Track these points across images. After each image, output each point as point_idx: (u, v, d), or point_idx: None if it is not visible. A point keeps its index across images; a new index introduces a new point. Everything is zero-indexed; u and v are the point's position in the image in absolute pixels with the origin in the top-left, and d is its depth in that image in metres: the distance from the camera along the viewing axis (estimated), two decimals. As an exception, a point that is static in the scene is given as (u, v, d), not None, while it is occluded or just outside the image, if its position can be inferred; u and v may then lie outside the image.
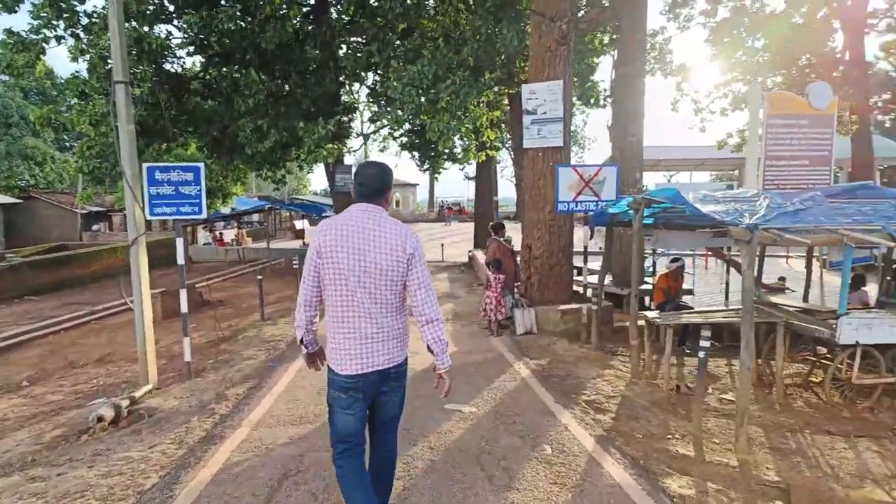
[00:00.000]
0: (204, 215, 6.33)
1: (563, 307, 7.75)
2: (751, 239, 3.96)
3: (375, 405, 2.67)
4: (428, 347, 2.64)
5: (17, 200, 27.27)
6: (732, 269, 12.14)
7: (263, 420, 4.55)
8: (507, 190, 57.71)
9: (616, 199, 7.12)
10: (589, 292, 8.96)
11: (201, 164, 6.28)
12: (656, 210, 6.29)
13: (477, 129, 11.59)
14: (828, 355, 5.45)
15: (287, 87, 15.28)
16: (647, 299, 10.19)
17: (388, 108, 12.12)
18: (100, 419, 5.06)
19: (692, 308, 6.98)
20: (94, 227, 29.70)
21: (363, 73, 17.89)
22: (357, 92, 19.15)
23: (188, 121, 16.07)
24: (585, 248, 7.46)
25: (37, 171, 32.81)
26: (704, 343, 4.42)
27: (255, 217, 36.51)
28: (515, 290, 8.13)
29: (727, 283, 8.43)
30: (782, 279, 12.01)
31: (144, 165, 6.05)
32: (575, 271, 9.31)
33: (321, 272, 2.49)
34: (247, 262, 21.42)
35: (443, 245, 21.75)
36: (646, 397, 5.14)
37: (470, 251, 18.73)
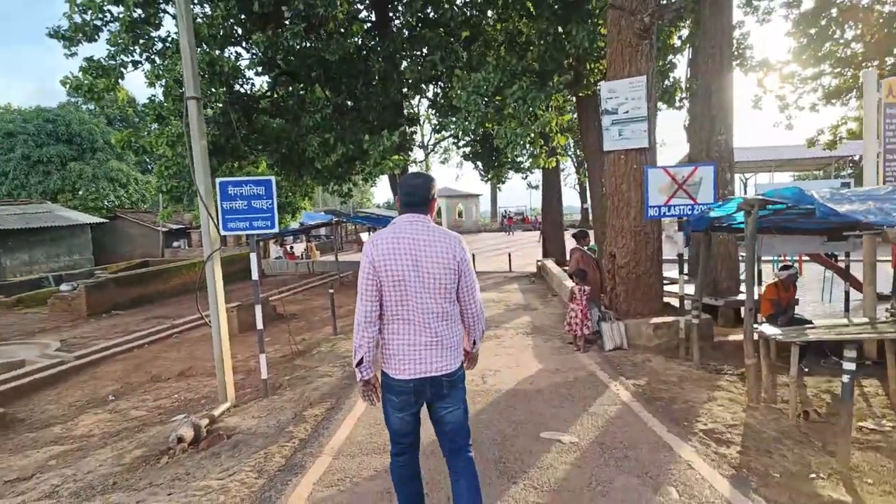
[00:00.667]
0: (276, 229, 6.18)
1: (655, 320, 7.08)
2: (916, 240, 3.27)
3: (435, 416, 2.68)
4: (472, 343, 2.77)
5: (104, 220, 29.07)
6: (836, 277, 11.00)
7: (345, 448, 4.23)
8: (569, 198, 56.30)
9: (716, 202, 6.43)
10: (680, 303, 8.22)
11: (272, 178, 6.14)
12: (766, 213, 5.59)
13: (546, 134, 11.06)
14: None
15: (351, 102, 15.34)
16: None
17: (454, 118, 11.79)
18: (180, 440, 4.93)
19: (810, 322, 6.16)
20: (175, 244, 31.24)
21: (425, 86, 17.80)
22: (418, 104, 19.08)
23: (258, 139, 16.44)
24: (680, 256, 6.77)
25: (121, 193, 35.00)
26: (849, 365, 3.72)
27: (323, 231, 37.35)
28: (601, 302, 7.53)
29: (847, 293, 7.48)
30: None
31: (217, 180, 5.98)
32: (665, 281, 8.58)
33: (379, 285, 2.50)
34: (316, 275, 21.71)
35: (510, 255, 21.21)
36: (771, 426, 4.45)
37: (539, 261, 18.11)
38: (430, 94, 20.54)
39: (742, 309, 9.30)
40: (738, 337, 7.25)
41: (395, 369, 2.56)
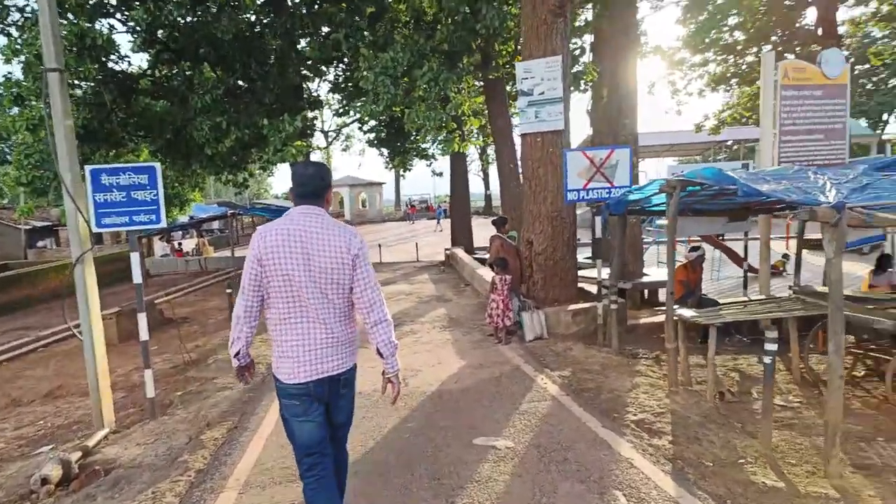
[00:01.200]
0: (163, 224, 5.39)
1: (573, 307, 7.06)
2: (838, 221, 3.30)
3: (328, 413, 2.57)
4: (377, 351, 2.54)
5: None
6: (723, 257, 11.82)
7: (253, 477, 3.66)
8: (473, 185, 57.01)
9: (631, 185, 6.46)
10: (593, 289, 8.31)
11: (157, 165, 5.31)
12: (682, 195, 5.67)
13: (458, 117, 10.80)
14: (893, 350, 4.87)
15: (245, 84, 14.16)
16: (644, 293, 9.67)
17: (360, 101, 11.19)
18: (44, 481, 4.08)
19: (717, 302, 6.38)
20: (40, 244, 27.61)
21: (325, 67, 16.88)
22: (318, 88, 18.11)
23: (138, 123, 14.77)
24: (598, 240, 6.74)
25: (-28, 186, 30.37)
26: (771, 345, 3.74)
27: (216, 224, 34.85)
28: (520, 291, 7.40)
29: (746, 273, 7.89)
30: (786, 257, 11.66)
31: (88, 168, 5.06)
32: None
33: (264, 281, 2.39)
34: (210, 272, 20.14)
35: (417, 244, 20.93)
36: (693, 410, 4.47)
37: (447, 249, 17.97)
38: (331, 77, 19.61)
39: (646, 291, 9.71)
40: (650, 319, 7.44)
41: (288, 373, 2.44)
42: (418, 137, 9.99)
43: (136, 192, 5.22)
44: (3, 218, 26.46)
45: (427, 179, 49.13)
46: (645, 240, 10.18)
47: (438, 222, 34.07)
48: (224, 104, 13.03)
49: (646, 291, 9.71)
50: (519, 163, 11.65)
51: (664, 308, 8.41)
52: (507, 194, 15.15)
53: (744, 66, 17.47)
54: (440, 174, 45.01)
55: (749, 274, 8.44)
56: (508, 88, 14.66)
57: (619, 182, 6.53)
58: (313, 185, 2.49)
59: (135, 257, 5.39)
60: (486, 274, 10.25)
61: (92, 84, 12.62)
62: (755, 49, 16.96)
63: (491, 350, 6.39)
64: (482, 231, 20.65)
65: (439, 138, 11.24)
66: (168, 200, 23.81)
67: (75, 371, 8.59)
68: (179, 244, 25.60)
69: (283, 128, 12.08)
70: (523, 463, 3.53)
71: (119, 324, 10.57)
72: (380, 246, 20.93)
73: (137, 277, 5.40)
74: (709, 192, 5.10)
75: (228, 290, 9.02)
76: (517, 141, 12.03)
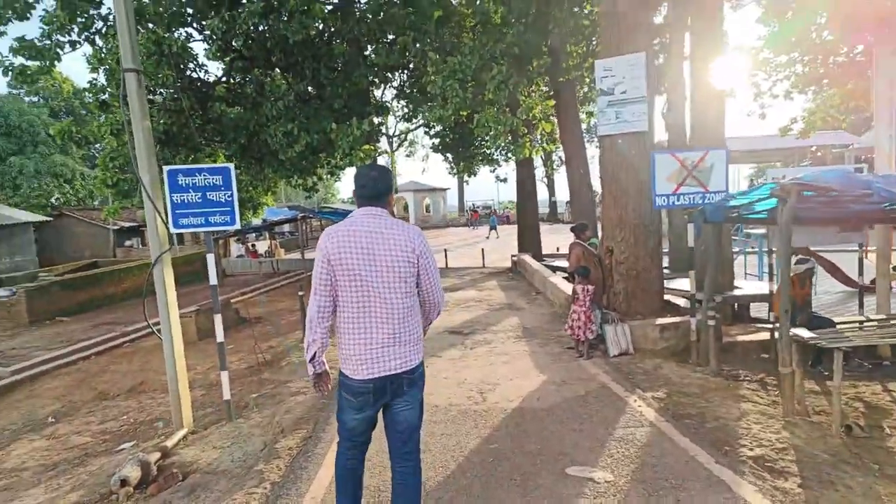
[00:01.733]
0: (237, 225, 5.32)
1: (661, 321, 6.50)
2: None
3: (390, 413, 2.60)
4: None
5: (48, 218, 26.99)
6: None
7: (330, 497, 3.44)
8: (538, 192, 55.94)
9: (727, 190, 5.87)
10: (679, 301, 7.70)
11: (231, 166, 5.26)
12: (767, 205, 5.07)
13: (529, 121, 10.42)
14: None
15: (314, 89, 14.35)
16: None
17: (428, 105, 11.03)
18: (123, 482, 4.05)
19: (831, 321, 5.67)
20: (127, 243, 29.38)
21: (391, 74, 16.90)
22: (383, 94, 18.20)
23: (214, 129, 15.30)
24: (692, 250, 6.16)
25: (66, 189, 32.73)
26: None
27: (287, 227, 35.95)
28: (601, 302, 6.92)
29: (861, 289, 7.06)
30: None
31: (165, 168, 5.07)
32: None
33: (333, 280, 2.45)
34: (281, 273, 20.61)
35: (483, 250, 20.59)
36: (819, 446, 3.88)
37: (514, 255, 17.52)
38: (396, 83, 19.70)
39: (736, 305, 8.91)
40: (749, 337, 6.76)
41: (352, 370, 2.48)
42: (486, 142, 9.64)
43: (211, 192, 5.18)
44: (93, 218, 28.34)
45: (491, 185, 48.65)
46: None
47: (493, 229, 32.65)
48: (294, 111, 13.22)
49: (735, 305, 8.92)
50: (593, 168, 11.11)
51: (763, 325, 7.70)
52: (577, 202, 14.57)
53: (833, 66, 16.04)
54: (504, 180, 44.74)
55: (849, 289, 7.55)
56: (578, 92, 14.14)
57: (714, 187, 5.95)
58: (375, 188, 2.53)
59: (210, 258, 5.36)
60: (560, 282, 9.78)
61: (171, 91, 13.14)
62: (844, 49, 15.52)
63: (572, 365, 5.95)
64: (547, 238, 20.08)
65: (510, 144, 10.87)
66: (242, 203, 24.71)
67: (158, 367, 8.81)
68: (253, 245, 26.47)
69: (351, 132, 12.11)
70: (628, 502, 3.11)
71: (197, 322, 10.83)
72: (445, 251, 20.76)
73: (213, 278, 5.36)
74: (822, 198, 4.49)
75: (301, 293, 9.00)
76: (588, 146, 11.57)
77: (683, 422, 4.26)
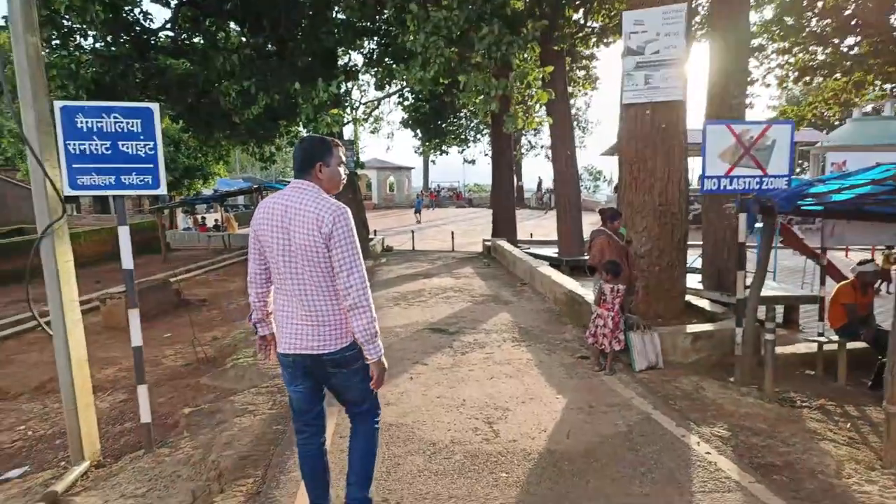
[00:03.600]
0: (162, 189, 3.88)
1: (693, 329, 5.42)
2: None
3: (329, 389, 2.57)
4: (353, 336, 2.40)
5: None
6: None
7: None
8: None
9: (791, 174, 4.78)
10: (703, 304, 6.66)
11: (155, 106, 3.79)
12: (849, 195, 4.02)
13: (521, 90, 9.15)
14: None
15: (274, 47, 12.62)
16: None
17: (403, 66, 9.59)
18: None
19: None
20: (60, 211, 26.64)
21: (360, 40, 15.27)
22: (351, 61, 16.54)
23: (158, 85, 13.39)
24: (742, 245, 5.02)
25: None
26: None
27: (241, 200, 33.68)
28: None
29: None
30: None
31: (58, 104, 3.57)
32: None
33: (260, 250, 2.49)
34: (234, 249, 18.82)
35: (453, 233, 19.40)
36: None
37: (487, 240, 16.40)
38: (366, 50, 18.02)
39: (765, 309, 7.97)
40: (788, 349, 5.77)
41: (278, 341, 2.50)
42: (460, 119, 8.23)
43: (126, 142, 3.72)
44: (23, 181, 25.46)
45: (457, 167, 47.17)
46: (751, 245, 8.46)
47: (417, 212, 31.14)
48: (252, 66, 11.52)
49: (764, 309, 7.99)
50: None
51: (804, 335, 6.77)
52: (564, 187, 13.44)
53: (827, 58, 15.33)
54: (473, 161, 43.45)
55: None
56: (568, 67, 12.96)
57: (775, 169, 4.83)
58: (300, 159, 2.45)
59: (124, 234, 3.91)
60: (555, 275, 8.63)
61: (102, 32, 11.20)
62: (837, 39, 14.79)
63: (594, 382, 4.78)
64: (489, 230, 19.05)
65: (503, 114, 9.58)
66: (190, 171, 22.65)
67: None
68: (203, 218, 24.40)
69: (317, 94, 10.55)
70: None
71: (128, 304, 9.19)
72: (413, 232, 19.45)
73: (127, 261, 3.93)
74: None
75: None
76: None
77: (773, 478, 3.14)
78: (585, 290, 7.11)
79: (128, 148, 3.74)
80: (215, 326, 8.75)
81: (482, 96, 8.65)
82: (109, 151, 3.71)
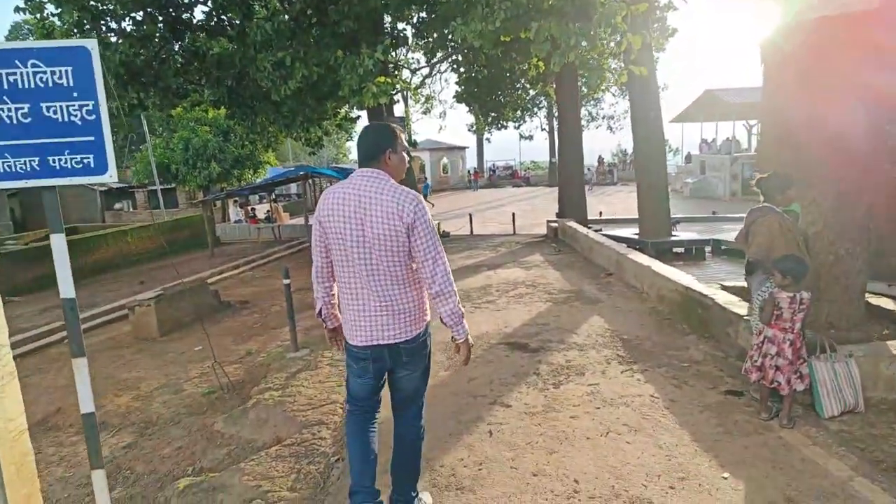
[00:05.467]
0: (111, 175, 2.55)
1: (901, 347, 3.68)
2: None
3: (392, 379, 2.57)
4: (441, 320, 2.43)
5: None
6: None
7: None
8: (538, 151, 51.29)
9: None
10: (886, 303, 4.81)
11: (92, 43, 2.45)
12: None
13: (613, 32, 7.38)
14: None
15: (314, 14, 11.30)
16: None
17: (461, 20, 8.02)
18: None
19: None
20: (117, 206, 26.79)
21: (407, 9, 13.79)
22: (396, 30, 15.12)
23: (196, 67, 12.42)
24: None
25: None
26: None
27: (294, 189, 33.11)
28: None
29: None
30: None
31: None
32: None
33: (327, 242, 2.42)
34: (284, 241, 17.98)
35: (514, 214, 17.77)
36: None
37: (552, 221, 14.71)
38: (414, 19, 16.52)
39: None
40: None
41: (349, 334, 2.47)
42: (552, 60, 6.59)
43: (53, 104, 2.41)
44: (80, 180, 25.69)
45: (512, 144, 44.99)
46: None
47: (476, 189, 29.44)
48: (287, 35, 10.25)
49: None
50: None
51: None
52: (648, 156, 11.54)
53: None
54: (530, 137, 41.26)
55: None
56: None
57: None
58: (368, 147, 2.41)
59: (57, 242, 2.63)
60: (661, 268, 6.91)
61: (135, 14, 10.26)
62: None
63: (771, 442, 3.14)
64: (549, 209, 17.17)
65: (584, 70, 7.93)
66: (240, 161, 21.99)
67: (99, 378, 6.32)
68: (253, 210, 23.79)
69: (361, 62, 9.17)
70: None
71: (160, 312, 8.22)
72: (470, 216, 17.94)
73: (66, 289, 2.64)
74: None
75: (286, 282, 6.32)
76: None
77: None
78: (706, 287, 5.42)
79: (56, 112, 2.43)
80: (252, 336, 7.61)
81: (560, 47, 6.99)
82: (28, 119, 2.41)
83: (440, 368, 4.77)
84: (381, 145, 2.39)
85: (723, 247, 11.73)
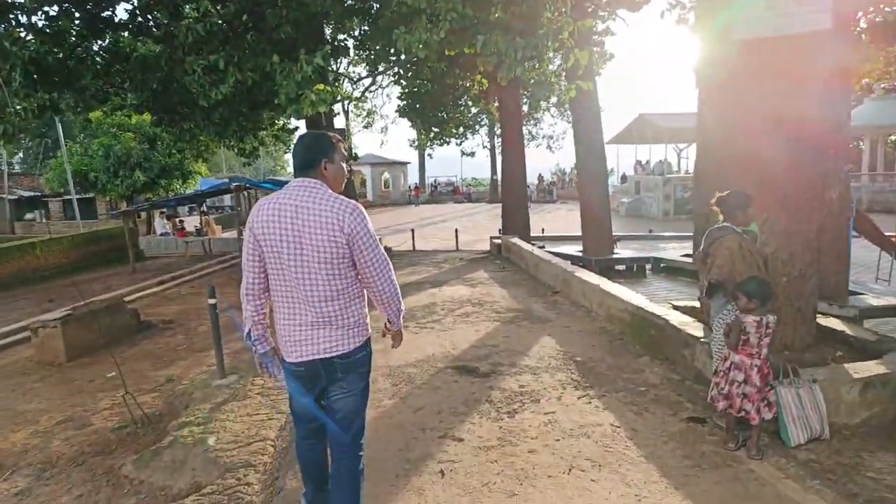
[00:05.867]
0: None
1: (860, 372, 3.61)
2: None
3: (327, 400, 2.42)
4: (386, 323, 2.50)
5: None
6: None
7: None
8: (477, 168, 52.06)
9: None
10: (834, 324, 4.83)
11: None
12: None
13: (560, 47, 7.32)
14: None
15: (249, 17, 10.74)
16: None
17: (404, 30, 7.75)
18: None
19: None
20: (28, 216, 24.56)
21: (349, 20, 13.43)
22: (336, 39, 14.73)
23: (117, 69, 11.50)
24: None
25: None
26: None
27: (227, 201, 31.60)
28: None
29: None
30: None
31: None
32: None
33: (260, 255, 2.31)
34: (215, 256, 16.97)
35: (457, 231, 17.62)
36: None
37: (495, 237, 14.68)
38: (356, 32, 16.18)
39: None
40: None
41: (285, 351, 2.37)
42: (500, 73, 6.42)
43: None
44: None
45: (454, 161, 45.17)
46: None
47: (416, 205, 29.03)
48: (220, 37, 9.65)
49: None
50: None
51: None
52: (591, 173, 11.63)
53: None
54: (472, 154, 41.54)
55: None
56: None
57: None
58: (304, 156, 2.32)
59: None
60: (600, 281, 6.84)
61: (42, 3, 9.35)
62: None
63: (742, 475, 2.94)
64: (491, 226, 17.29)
65: (540, 76, 7.85)
66: (167, 171, 20.72)
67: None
68: (181, 222, 22.42)
69: (301, 68, 8.70)
70: None
71: (67, 334, 7.35)
72: (413, 231, 17.62)
73: None
74: None
75: (212, 301, 5.74)
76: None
77: None
78: (657, 307, 5.31)
79: None
80: (174, 360, 6.93)
81: (505, 59, 6.84)
82: None
83: (384, 396, 4.38)
84: (318, 154, 2.31)
85: (662, 264, 11.96)
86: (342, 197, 2.29)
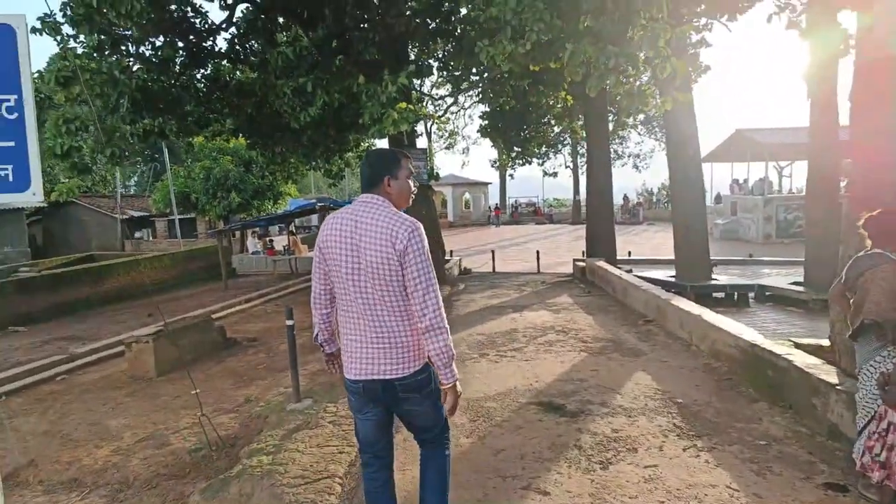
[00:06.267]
0: (34, 189, 1.93)
1: None
2: None
3: (398, 415, 2.39)
4: (429, 359, 2.28)
5: (42, 204, 23.89)
6: None
7: None
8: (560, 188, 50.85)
9: None
10: None
11: (18, 21, 1.87)
12: None
13: (656, 55, 6.79)
14: None
15: (337, 41, 11.01)
16: None
17: (487, 43, 7.53)
18: None
19: None
20: (137, 235, 26.70)
21: (433, 42, 13.46)
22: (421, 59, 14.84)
23: (218, 97, 12.16)
24: None
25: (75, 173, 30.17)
26: None
27: (314, 221, 32.83)
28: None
29: None
30: None
31: None
32: None
33: (326, 268, 2.33)
34: (300, 274, 17.50)
35: (538, 252, 17.06)
36: None
37: (579, 260, 14.01)
38: (439, 53, 16.27)
39: None
40: None
41: (346, 367, 2.35)
42: (588, 85, 6.06)
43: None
44: (102, 207, 25.78)
45: (537, 181, 44.55)
46: None
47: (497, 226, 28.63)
48: (309, 59, 9.91)
49: None
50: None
51: None
52: (686, 192, 10.80)
53: None
54: (554, 174, 40.79)
55: None
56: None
57: None
58: (367, 173, 2.33)
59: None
60: (702, 311, 6.14)
61: (145, 31, 10.00)
62: None
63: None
64: (580, 244, 16.48)
65: (628, 93, 7.39)
66: (260, 192, 21.79)
67: (76, 425, 5.72)
68: (271, 241, 23.44)
69: (385, 88, 8.72)
70: None
71: (159, 349, 7.63)
72: (493, 253, 17.28)
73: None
74: None
75: (289, 323, 5.66)
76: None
77: None
78: (776, 344, 4.60)
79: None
80: (254, 379, 6.97)
81: (595, 70, 6.41)
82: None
83: (461, 433, 4.02)
84: (381, 171, 2.29)
85: (767, 293, 10.84)
86: (402, 213, 2.25)
